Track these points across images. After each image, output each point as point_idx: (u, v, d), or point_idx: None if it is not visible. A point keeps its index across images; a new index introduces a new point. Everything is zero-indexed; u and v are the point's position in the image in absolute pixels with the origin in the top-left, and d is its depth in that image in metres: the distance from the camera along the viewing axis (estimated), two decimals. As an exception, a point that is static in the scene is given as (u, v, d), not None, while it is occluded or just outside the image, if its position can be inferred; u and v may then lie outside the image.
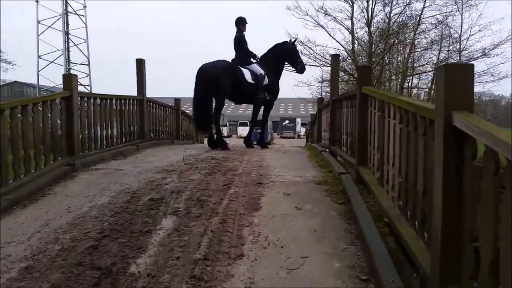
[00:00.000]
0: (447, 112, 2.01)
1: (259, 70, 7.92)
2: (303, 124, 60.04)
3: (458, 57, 16.58)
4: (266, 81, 7.97)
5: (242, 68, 7.71)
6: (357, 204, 3.37)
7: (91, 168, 5.10)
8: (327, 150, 6.63)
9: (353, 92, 5.11)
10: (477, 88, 19.42)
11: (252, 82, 7.74)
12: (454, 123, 1.98)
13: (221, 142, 7.51)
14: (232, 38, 8.20)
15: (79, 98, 5.60)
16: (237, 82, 7.47)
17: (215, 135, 7.60)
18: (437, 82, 2.06)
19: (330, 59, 16.70)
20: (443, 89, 2.02)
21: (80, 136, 5.59)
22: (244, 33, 8.16)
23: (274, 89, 8.32)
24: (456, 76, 2.01)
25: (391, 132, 3.41)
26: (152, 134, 8.62)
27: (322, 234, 2.95)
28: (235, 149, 7.45)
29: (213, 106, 7.60)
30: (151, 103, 8.56)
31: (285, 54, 8.47)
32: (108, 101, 6.52)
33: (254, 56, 8.19)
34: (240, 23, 8.12)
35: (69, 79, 5.47)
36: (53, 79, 33.72)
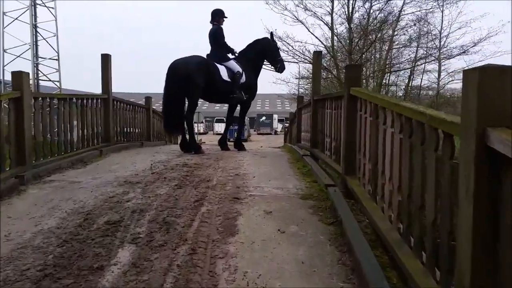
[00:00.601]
0: (480, 129, 1.54)
1: (236, 67, 7.36)
2: (280, 121, 59.96)
3: (437, 54, 16.50)
4: (243, 79, 7.44)
5: (217, 65, 7.15)
6: (350, 226, 2.89)
7: (43, 180, 4.46)
8: (309, 153, 6.16)
9: (340, 93, 4.65)
10: (453, 85, 19.52)
11: (228, 80, 7.19)
12: (489, 143, 1.51)
13: (195, 146, 6.94)
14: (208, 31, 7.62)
15: (32, 99, 4.94)
16: (211, 80, 6.90)
17: (188, 138, 7.01)
18: (466, 90, 1.60)
19: (310, 56, 16.49)
20: (476, 99, 1.54)
21: (34, 141, 4.93)
22: (222, 26, 7.56)
23: (252, 88, 7.80)
24: (495, 84, 1.53)
25: (388, 142, 2.95)
26: (119, 137, 7.97)
27: (311, 268, 2.46)
28: (210, 153, 6.89)
29: (185, 106, 7.01)
30: (118, 102, 7.90)
31: (265, 52, 7.95)
32: (68, 101, 5.85)
33: (232, 51, 7.61)
34: (217, 15, 7.50)
35: (19, 77, 4.78)
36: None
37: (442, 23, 19.67)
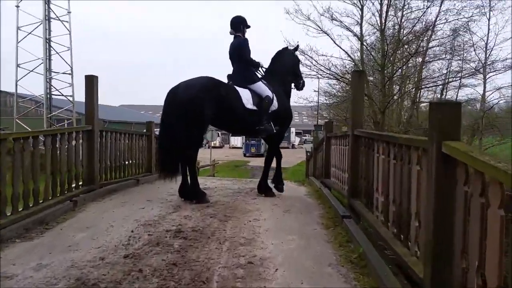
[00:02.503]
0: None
1: (265, 90, 5.76)
2: (297, 133, 58.53)
3: (478, 67, 14.62)
4: (275, 105, 5.84)
5: (239, 89, 5.60)
6: None
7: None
8: (349, 214, 4.52)
9: (411, 141, 3.05)
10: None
11: (253, 108, 5.61)
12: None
13: (196, 192, 5.39)
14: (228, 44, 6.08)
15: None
16: (226, 107, 5.37)
17: (189, 182, 5.46)
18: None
19: (336, 71, 14.87)
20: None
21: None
22: (246, 37, 5.99)
23: (286, 114, 6.16)
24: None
25: None
26: (110, 173, 6.52)
27: None
28: (216, 201, 5.34)
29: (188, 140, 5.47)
30: (108, 133, 6.46)
31: (294, 66, 6.44)
32: (31, 140, 4.42)
33: (258, 65, 6.04)
34: (241, 23, 5.93)
35: None
36: (33, 88, 31.65)
37: (488, 33, 17.84)
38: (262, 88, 5.78)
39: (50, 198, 4.75)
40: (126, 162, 7.16)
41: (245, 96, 5.59)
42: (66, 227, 4.08)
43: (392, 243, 3.24)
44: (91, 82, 5.80)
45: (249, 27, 6.03)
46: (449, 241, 2.29)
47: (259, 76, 6.03)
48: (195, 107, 5.12)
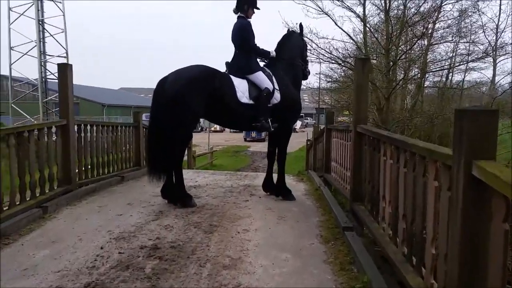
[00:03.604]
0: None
1: (264, 81, 5.05)
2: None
3: (489, 50, 13.90)
4: (277, 97, 5.14)
5: (234, 79, 4.94)
6: None
7: None
8: (351, 224, 4.01)
9: (437, 153, 2.50)
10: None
11: (249, 102, 4.95)
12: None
13: (181, 196, 4.87)
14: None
15: None
16: (218, 101, 4.77)
17: (175, 182, 4.93)
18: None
19: (337, 55, 14.14)
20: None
21: None
22: (250, 20, 5.24)
23: (294, 106, 5.42)
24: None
25: None
26: (92, 171, 6.00)
27: None
28: (204, 208, 4.81)
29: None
30: (88, 126, 5.92)
31: (302, 51, 5.76)
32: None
33: (267, 55, 5.34)
34: (246, 2, 5.12)
35: None
36: (28, 72, 30.93)
37: (500, 13, 17.00)
38: (261, 78, 5.08)
39: (17, 203, 4.25)
40: (111, 157, 6.64)
41: (241, 88, 4.94)
42: (28, 242, 3.57)
43: (403, 269, 2.72)
44: (64, 71, 5.22)
45: (257, 8, 5.23)
46: (475, 270, 1.78)
47: (262, 64, 5.37)
48: (181, 103, 4.56)
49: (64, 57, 31.34)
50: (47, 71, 30.07)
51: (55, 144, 5.10)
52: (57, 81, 5.33)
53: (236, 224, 4.09)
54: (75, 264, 3.08)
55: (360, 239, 3.54)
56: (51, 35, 30.73)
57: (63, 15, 31.61)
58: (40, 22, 30.08)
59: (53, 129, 5.13)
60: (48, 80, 30.34)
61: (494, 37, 15.87)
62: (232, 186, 6.25)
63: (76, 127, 5.56)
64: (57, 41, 31.07)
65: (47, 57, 31.00)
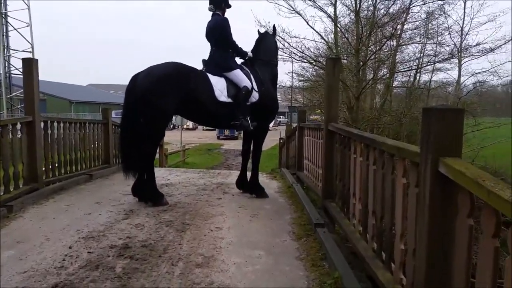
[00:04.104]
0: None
1: (242, 80, 5.01)
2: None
3: (453, 51, 14.41)
4: (255, 96, 5.12)
5: (211, 77, 4.87)
6: None
7: None
8: (323, 221, 4.06)
9: (407, 151, 2.56)
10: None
11: (228, 100, 4.90)
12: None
13: (152, 193, 4.80)
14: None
15: None
16: (194, 100, 4.69)
17: (146, 180, 4.85)
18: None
19: (309, 54, 14.28)
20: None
21: None
22: (226, 17, 5.18)
23: (272, 105, 5.42)
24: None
25: None
26: (60, 169, 5.83)
27: None
28: (176, 206, 4.76)
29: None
30: (54, 123, 5.74)
31: (277, 52, 5.84)
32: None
33: (244, 55, 5.31)
34: (221, 0, 5.10)
35: None
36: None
37: (464, 16, 17.59)
38: (240, 77, 5.03)
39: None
40: (79, 155, 6.47)
41: (219, 86, 4.88)
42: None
43: (373, 264, 2.79)
44: (29, 66, 5.05)
45: (229, 6, 5.22)
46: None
47: (238, 62, 5.33)
48: (152, 100, 4.47)
49: (30, 52, 30.28)
50: (11, 66, 28.97)
51: (21, 142, 4.92)
52: (22, 76, 5.13)
53: (209, 222, 4.07)
54: (42, 264, 2.99)
55: (331, 235, 3.59)
56: (15, 29, 29.62)
57: (28, 9, 30.50)
58: (3, 16, 28.89)
59: (18, 126, 4.97)
60: (13, 75, 29.26)
61: (459, 39, 16.41)
62: (205, 184, 6.22)
63: (42, 124, 5.40)
64: (22, 35, 29.96)
65: (11, 51, 29.90)
